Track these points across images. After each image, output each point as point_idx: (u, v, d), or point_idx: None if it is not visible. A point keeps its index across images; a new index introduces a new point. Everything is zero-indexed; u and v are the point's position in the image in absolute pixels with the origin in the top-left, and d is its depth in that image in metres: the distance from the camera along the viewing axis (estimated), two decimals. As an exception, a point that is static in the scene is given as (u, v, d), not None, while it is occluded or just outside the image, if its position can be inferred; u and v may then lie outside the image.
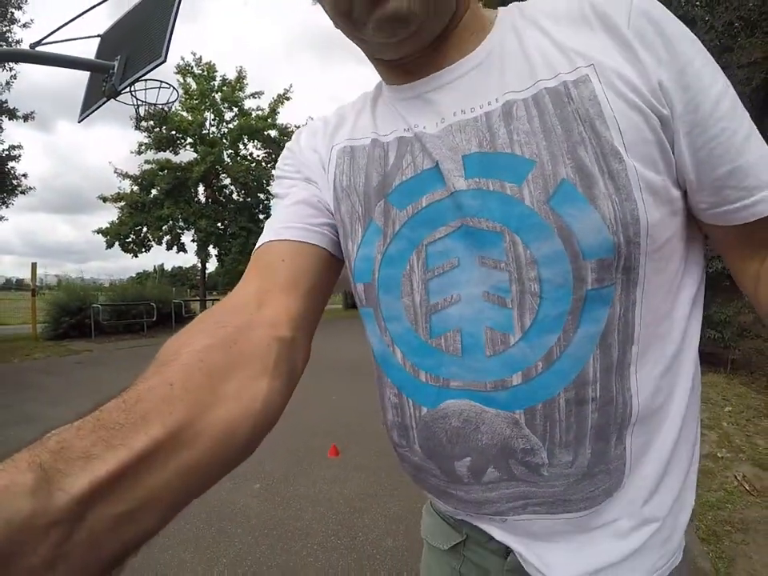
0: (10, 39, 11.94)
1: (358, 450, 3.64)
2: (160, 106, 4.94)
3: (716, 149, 0.43)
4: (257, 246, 0.57)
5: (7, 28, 11.90)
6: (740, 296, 6.99)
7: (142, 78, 4.39)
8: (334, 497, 2.87)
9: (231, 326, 0.42)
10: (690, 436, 0.53)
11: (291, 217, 0.56)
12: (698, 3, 10.81)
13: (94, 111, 5.05)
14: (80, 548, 0.25)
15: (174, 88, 5.19)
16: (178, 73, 16.80)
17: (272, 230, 0.56)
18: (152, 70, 4.16)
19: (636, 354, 0.46)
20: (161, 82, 4.82)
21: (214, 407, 0.34)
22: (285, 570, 2.16)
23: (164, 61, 4.01)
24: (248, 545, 2.35)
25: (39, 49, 4.62)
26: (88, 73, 4.89)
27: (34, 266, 11.33)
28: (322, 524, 2.56)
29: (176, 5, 4.08)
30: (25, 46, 11.50)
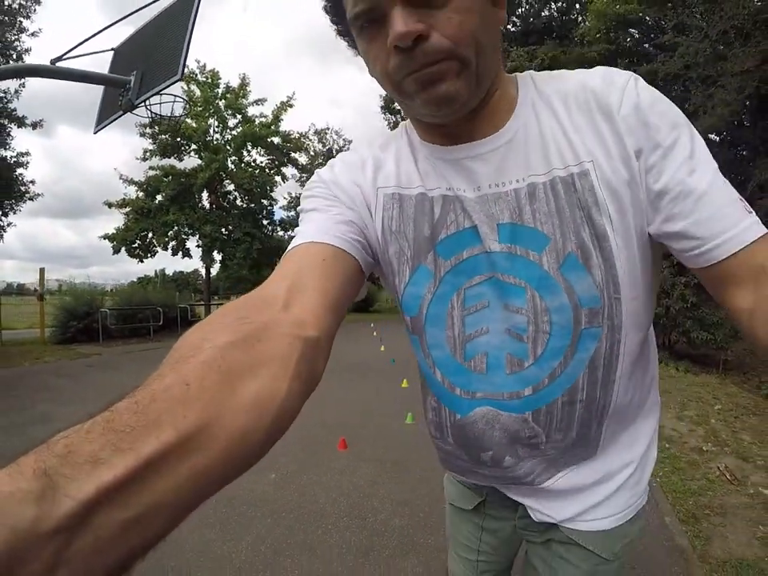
0: (19, 48, 12.11)
1: (365, 443, 3.82)
2: (174, 119, 5.13)
3: (673, 208, 0.52)
4: (292, 246, 0.58)
5: (16, 37, 12.06)
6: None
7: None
8: (344, 484, 3.06)
9: (256, 322, 0.41)
10: (650, 414, 0.74)
11: (331, 227, 0.59)
12: (694, 10, 10.98)
13: (109, 123, 5.24)
14: (84, 553, 0.24)
15: (186, 101, 5.37)
16: (182, 80, 16.90)
17: (311, 234, 0.58)
18: (168, 86, 4.35)
19: (619, 376, 0.62)
20: (175, 96, 5.02)
21: (231, 410, 0.33)
22: (303, 546, 2.36)
23: (180, 78, 4.17)
24: (268, 526, 2.55)
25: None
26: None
27: (41, 271, 11.44)
28: (335, 507, 2.75)
29: (191, 22, 4.24)
30: (34, 54, 11.63)
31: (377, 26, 0.49)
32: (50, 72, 4.81)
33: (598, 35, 15.09)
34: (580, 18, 17.55)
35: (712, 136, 12.86)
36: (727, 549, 2.29)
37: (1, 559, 0.21)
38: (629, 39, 15.86)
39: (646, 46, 15.91)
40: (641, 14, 14.71)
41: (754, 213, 0.51)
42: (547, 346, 0.60)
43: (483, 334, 0.62)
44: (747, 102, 10.69)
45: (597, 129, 0.55)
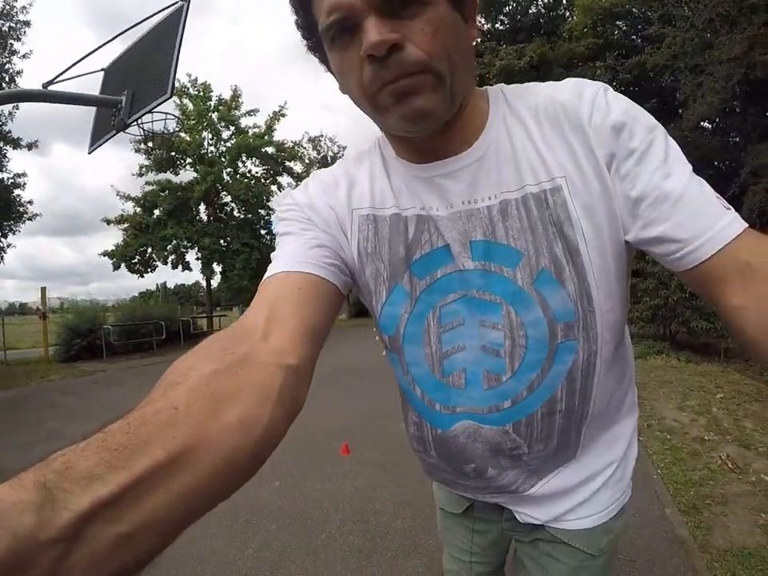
0: (11, 70, 12.17)
1: (367, 447, 3.85)
2: (167, 135, 5.19)
3: (651, 214, 0.52)
4: (269, 275, 0.58)
5: (7, 59, 12.11)
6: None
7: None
8: (347, 488, 3.09)
9: (238, 352, 0.43)
10: (629, 413, 0.76)
11: (307, 253, 0.59)
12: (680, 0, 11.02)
13: (103, 143, 5.30)
14: (81, 565, 0.25)
15: (178, 118, 5.42)
16: (172, 98, 16.96)
17: (287, 262, 0.58)
18: (159, 105, 4.41)
19: (596, 384, 0.63)
20: (166, 114, 5.09)
21: (216, 432, 0.35)
22: (307, 550, 2.39)
23: (170, 97, 4.24)
24: (273, 532, 2.59)
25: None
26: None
27: (43, 290, 11.46)
28: (338, 512, 2.78)
29: (178, 41, 4.31)
30: (25, 76, 11.68)
31: (349, 36, 0.48)
32: (43, 96, 4.86)
33: (585, 30, 15.15)
34: (567, 14, 17.62)
35: (704, 124, 12.89)
36: (728, 538, 2.29)
37: (3, 564, 0.22)
38: (616, 32, 15.91)
39: (634, 38, 15.95)
40: (627, 7, 14.77)
41: (732, 209, 0.50)
42: (524, 359, 0.61)
43: (460, 351, 0.64)
44: (737, 89, 10.70)
45: (568, 143, 0.55)
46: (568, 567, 0.75)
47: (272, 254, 0.63)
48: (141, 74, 4.66)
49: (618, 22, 15.87)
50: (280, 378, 0.43)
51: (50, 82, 4.83)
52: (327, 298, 0.58)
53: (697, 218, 0.49)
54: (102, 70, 5.25)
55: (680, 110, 12.50)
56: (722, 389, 5.18)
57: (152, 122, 4.85)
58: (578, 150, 0.55)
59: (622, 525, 0.77)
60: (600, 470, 0.71)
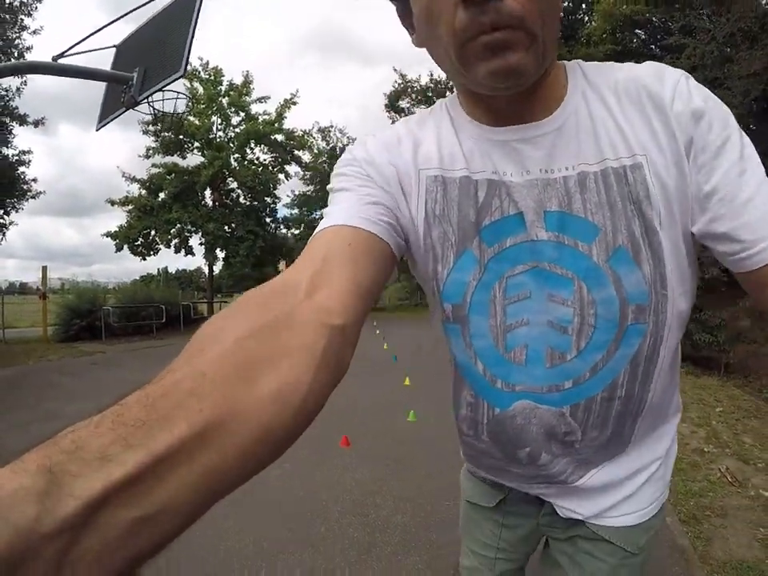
0: (21, 46, 12.11)
1: (367, 441, 3.84)
2: (176, 116, 5.13)
3: (721, 209, 0.52)
4: (318, 230, 0.55)
5: (17, 35, 12.06)
6: (734, 301, 7.13)
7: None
8: (347, 481, 3.08)
9: (276, 310, 0.39)
10: (676, 412, 0.75)
11: (360, 208, 0.56)
12: (701, 12, 10.94)
13: (112, 120, 5.25)
14: (90, 554, 0.23)
15: (189, 98, 5.36)
16: (185, 77, 16.94)
17: (341, 216, 0.54)
18: (171, 83, 4.35)
19: (657, 373, 0.62)
20: (177, 92, 5.03)
21: (250, 404, 0.31)
22: (305, 543, 2.38)
23: (183, 75, 4.17)
24: (271, 523, 2.57)
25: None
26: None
27: (44, 269, 11.49)
28: (338, 504, 2.77)
29: (194, 18, 4.22)
30: (35, 52, 11.62)
31: None
32: (52, 69, 4.79)
33: (604, 35, 15.04)
34: (586, 18, 17.52)
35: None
36: (728, 550, 2.29)
37: (3, 558, 0.20)
38: (635, 40, 15.80)
39: (653, 47, 15.86)
40: (647, 15, 14.66)
41: None
42: (591, 339, 0.59)
43: (523, 326, 0.61)
44: (754, 106, 10.62)
45: (649, 123, 0.55)
46: (608, 565, 0.73)
47: (324, 210, 0.60)
48: (154, 51, 4.59)
49: (637, 30, 15.74)
50: (325, 338, 0.39)
51: (61, 55, 4.76)
52: (379, 256, 0.54)
53: (765, 222, 0.50)
54: (114, 46, 5.19)
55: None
56: (721, 403, 5.17)
57: (163, 100, 4.80)
58: (659, 131, 0.54)
59: (660, 521, 0.76)
60: (646, 466, 0.70)
